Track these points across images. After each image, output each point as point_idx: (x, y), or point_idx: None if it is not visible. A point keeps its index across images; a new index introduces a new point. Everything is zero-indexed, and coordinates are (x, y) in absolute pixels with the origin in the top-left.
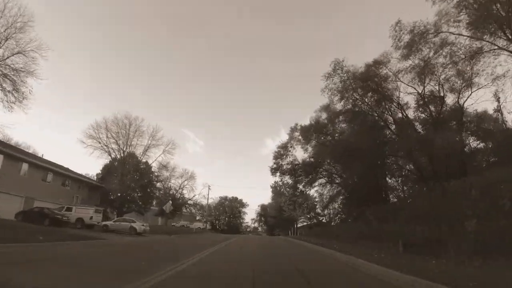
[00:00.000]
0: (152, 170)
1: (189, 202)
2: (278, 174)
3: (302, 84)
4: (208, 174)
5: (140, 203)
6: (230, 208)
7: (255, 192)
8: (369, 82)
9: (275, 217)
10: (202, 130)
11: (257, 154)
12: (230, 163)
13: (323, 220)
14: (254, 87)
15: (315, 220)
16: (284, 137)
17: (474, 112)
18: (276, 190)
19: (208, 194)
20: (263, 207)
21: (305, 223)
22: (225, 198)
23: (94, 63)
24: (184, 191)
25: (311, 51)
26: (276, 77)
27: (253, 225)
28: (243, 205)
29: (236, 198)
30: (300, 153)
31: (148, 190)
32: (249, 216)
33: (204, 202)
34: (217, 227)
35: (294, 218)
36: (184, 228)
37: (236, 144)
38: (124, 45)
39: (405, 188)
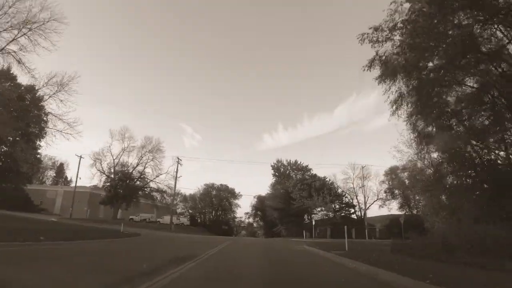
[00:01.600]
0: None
1: (151, 184)
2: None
3: (300, 80)
4: (206, 169)
5: None
6: (218, 199)
7: (252, 184)
8: None
9: (279, 209)
10: (199, 124)
11: (255, 149)
12: (228, 157)
13: (353, 215)
14: (253, 82)
15: (343, 213)
16: (282, 133)
17: None
18: (279, 172)
19: (176, 172)
20: (260, 199)
21: (325, 218)
22: (211, 186)
23: (93, 56)
24: (148, 170)
25: (311, 46)
26: (274, 72)
27: (247, 221)
28: (235, 195)
29: (227, 187)
30: None
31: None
32: (243, 209)
33: (187, 191)
34: (205, 222)
35: (307, 210)
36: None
37: (234, 139)
38: (121, 38)
39: None
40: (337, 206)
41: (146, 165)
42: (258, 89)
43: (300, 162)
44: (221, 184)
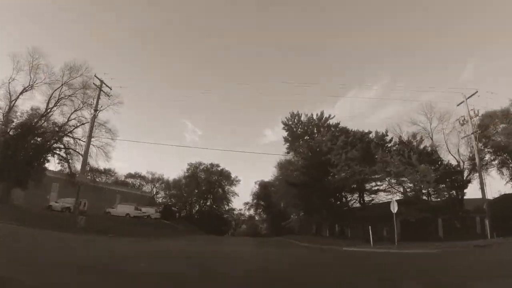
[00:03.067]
0: None
1: (68, 140)
2: None
3: (300, 75)
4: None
5: None
6: (207, 184)
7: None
8: None
9: (301, 186)
10: (200, 120)
11: (256, 144)
12: (229, 153)
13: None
14: (253, 77)
15: (453, 185)
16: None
17: None
18: (294, 133)
19: (96, 104)
20: (263, 185)
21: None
22: (198, 167)
23: (93, 53)
24: (74, 123)
25: (311, 42)
26: (274, 68)
27: (247, 213)
28: (230, 179)
29: (219, 168)
30: None
31: None
32: (243, 199)
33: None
34: (192, 215)
35: (353, 185)
36: None
37: (234, 134)
38: (123, 34)
39: None
40: (433, 175)
41: (71, 117)
42: (258, 85)
43: (329, 116)
44: (211, 164)
